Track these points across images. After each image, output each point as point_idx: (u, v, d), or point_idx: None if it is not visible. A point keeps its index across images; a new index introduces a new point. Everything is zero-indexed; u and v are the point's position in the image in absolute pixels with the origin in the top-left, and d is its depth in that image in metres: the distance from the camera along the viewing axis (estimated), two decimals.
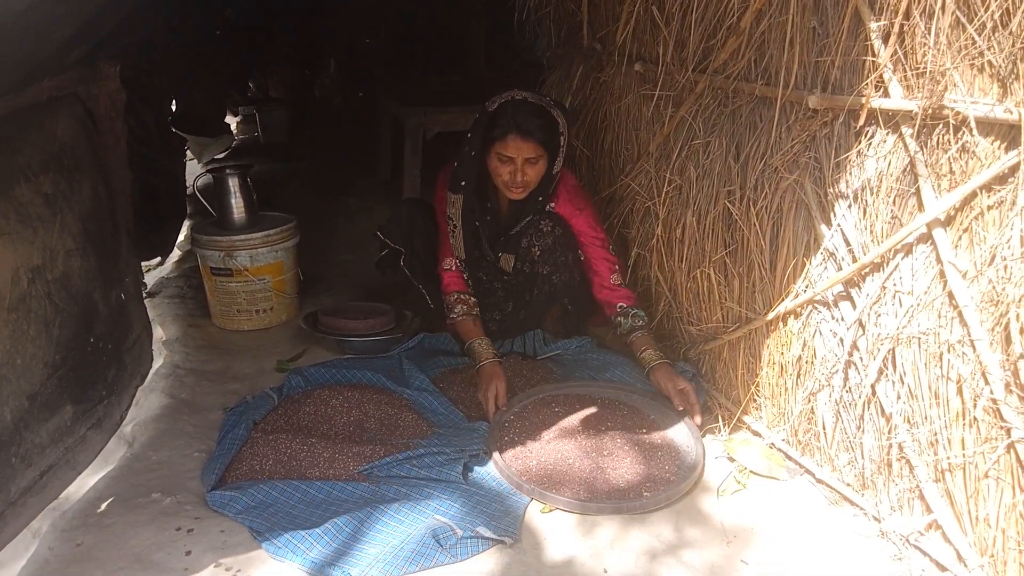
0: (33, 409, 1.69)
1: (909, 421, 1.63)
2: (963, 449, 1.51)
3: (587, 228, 2.50)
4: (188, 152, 4.86)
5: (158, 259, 3.54)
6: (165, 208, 3.32)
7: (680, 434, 2.12)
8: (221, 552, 1.71)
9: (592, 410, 2.20)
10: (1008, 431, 1.41)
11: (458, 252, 2.55)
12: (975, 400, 1.48)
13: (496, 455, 2.01)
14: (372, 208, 4.69)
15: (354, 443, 2.05)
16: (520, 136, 2.32)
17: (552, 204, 2.51)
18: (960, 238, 1.49)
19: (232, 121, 7.13)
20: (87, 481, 1.94)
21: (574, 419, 2.16)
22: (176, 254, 3.84)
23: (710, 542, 1.77)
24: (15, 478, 1.61)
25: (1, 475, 1.56)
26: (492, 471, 2.00)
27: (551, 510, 1.87)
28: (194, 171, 4.48)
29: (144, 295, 2.91)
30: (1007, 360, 1.41)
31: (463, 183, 2.44)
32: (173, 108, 4.23)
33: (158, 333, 2.77)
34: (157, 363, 2.54)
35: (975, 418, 1.48)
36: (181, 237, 3.96)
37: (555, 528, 1.82)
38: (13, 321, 1.66)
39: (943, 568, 1.59)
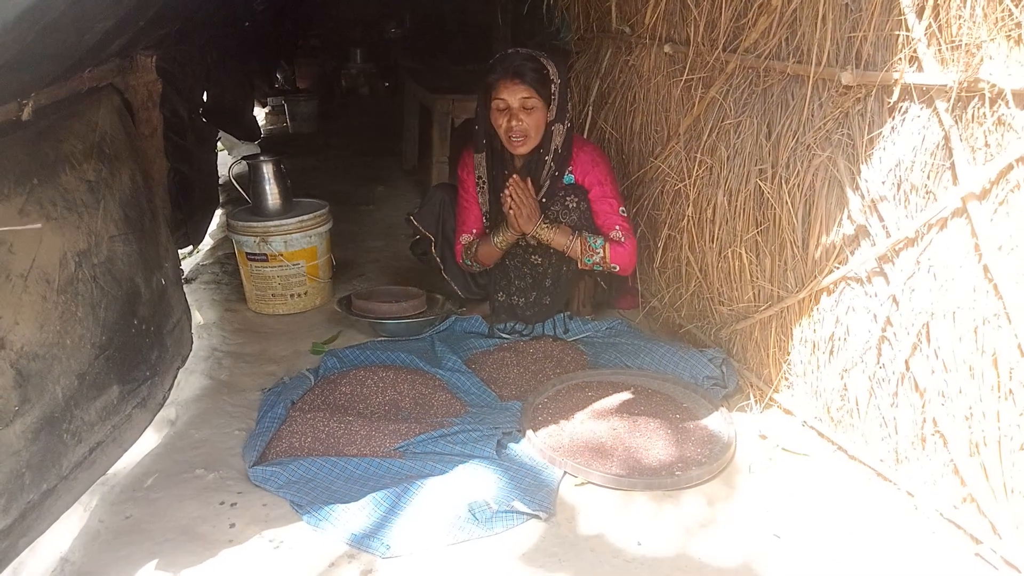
0: (82, 388, 1.75)
1: (944, 395, 1.64)
2: (998, 422, 1.51)
3: (596, 185, 2.56)
4: (219, 143, 4.94)
5: (190, 247, 3.61)
6: (197, 197, 3.39)
7: (713, 420, 2.13)
8: (264, 524, 1.76)
9: (625, 395, 2.22)
10: None
11: (484, 207, 2.65)
12: (1011, 373, 1.47)
13: (530, 431, 2.04)
14: (400, 195, 4.74)
15: (390, 421, 2.09)
16: (510, 78, 2.43)
17: (569, 169, 2.55)
18: (996, 211, 1.49)
19: (260, 112, 7.21)
20: (133, 458, 2.00)
21: (607, 403, 2.18)
22: (209, 242, 3.92)
23: (742, 518, 1.78)
24: (67, 453, 1.67)
25: (54, 450, 1.62)
26: (525, 448, 2.03)
27: (584, 483, 1.90)
28: (225, 161, 4.56)
29: (181, 281, 2.98)
30: None
31: (483, 141, 2.57)
32: (204, 99, 4.29)
33: (196, 317, 2.83)
34: (196, 346, 2.60)
35: (1011, 391, 1.48)
36: (214, 226, 4.04)
37: (588, 503, 1.84)
38: (62, 303, 1.71)
39: (977, 541, 1.59)
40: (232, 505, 1.83)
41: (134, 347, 2.01)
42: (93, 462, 1.78)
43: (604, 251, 2.51)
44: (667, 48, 2.52)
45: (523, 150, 2.52)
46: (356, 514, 1.75)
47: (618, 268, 2.55)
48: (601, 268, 2.56)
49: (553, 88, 2.47)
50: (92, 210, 1.92)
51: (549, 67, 2.47)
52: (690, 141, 2.46)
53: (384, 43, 8.33)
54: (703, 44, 2.31)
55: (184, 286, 2.81)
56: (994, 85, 1.44)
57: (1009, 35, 1.41)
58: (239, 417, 2.24)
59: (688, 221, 2.48)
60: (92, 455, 1.77)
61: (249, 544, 1.70)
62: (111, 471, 1.88)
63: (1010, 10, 1.39)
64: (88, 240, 1.87)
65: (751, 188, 2.16)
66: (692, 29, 2.35)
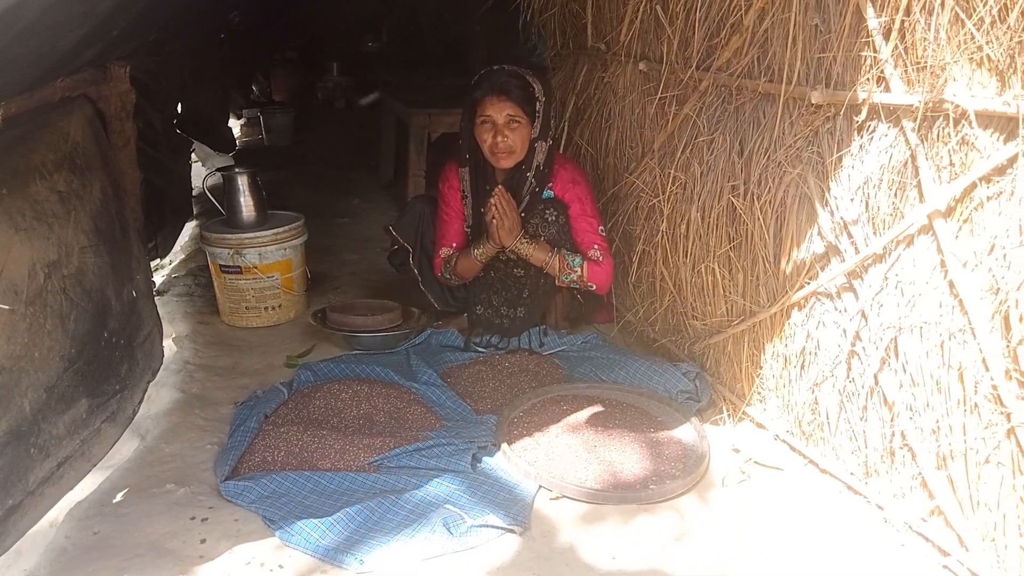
0: (50, 401, 1.72)
1: (911, 409, 1.67)
2: (964, 435, 1.54)
3: (576, 202, 2.58)
4: (193, 154, 4.90)
5: (157, 260, 3.56)
6: (169, 210, 3.36)
7: (687, 434, 2.14)
8: (235, 540, 1.74)
9: (600, 409, 2.23)
10: (1008, 416, 1.44)
11: (469, 221, 2.66)
12: (976, 387, 1.51)
13: (505, 445, 2.04)
14: (376, 208, 4.74)
15: (364, 435, 2.08)
16: (496, 95, 2.46)
17: (550, 184, 2.57)
18: (960, 228, 1.53)
19: (236, 124, 7.17)
20: (102, 472, 1.97)
21: (582, 417, 2.19)
22: (181, 254, 3.88)
23: (716, 531, 1.79)
24: (33, 468, 1.64)
25: (20, 465, 1.59)
26: (500, 461, 2.02)
27: (558, 497, 1.90)
28: (199, 172, 4.52)
29: (153, 293, 2.95)
30: (1007, 347, 1.44)
31: (467, 155, 2.59)
32: (178, 110, 4.26)
33: (168, 330, 2.80)
34: (167, 359, 2.57)
35: (976, 404, 1.51)
36: (186, 237, 4.00)
37: (563, 517, 1.84)
38: (31, 315, 1.69)
39: (945, 553, 1.62)
40: (203, 520, 1.81)
41: (104, 360, 1.99)
42: (61, 477, 1.75)
43: (582, 269, 2.53)
44: (642, 66, 2.56)
45: (507, 164, 2.54)
46: (329, 529, 1.73)
47: (595, 287, 2.58)
48: (578, 286, 2.59)
49: (538, 106, 2.50)
50: (62, 221, 1.90)
51: (535, 85, 2.49)
52: (664, 157, 2.50)
53: (361, 57, 8.34)
54: (677, 62, 2.35)
55: (156, 298, 2.78)
56: (958, 105, 1.48)
57: (972, 57, 1.45)
58: (211, 431, 2.21)
59: (662, 236, 2.50)
60: (60, 470, 1.75)
61: (220, 560, 1.68)
62: (79, 486, 1.85)
63: (972, 33, 1.43)
64: (58, 251, 1.85)
65: (724, 204, 2.19)
66: (666, 47, 2.38)
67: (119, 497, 1.90)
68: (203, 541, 1.74)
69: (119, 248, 2.22)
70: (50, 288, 1.78)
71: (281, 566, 1.66)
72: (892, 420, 1.72)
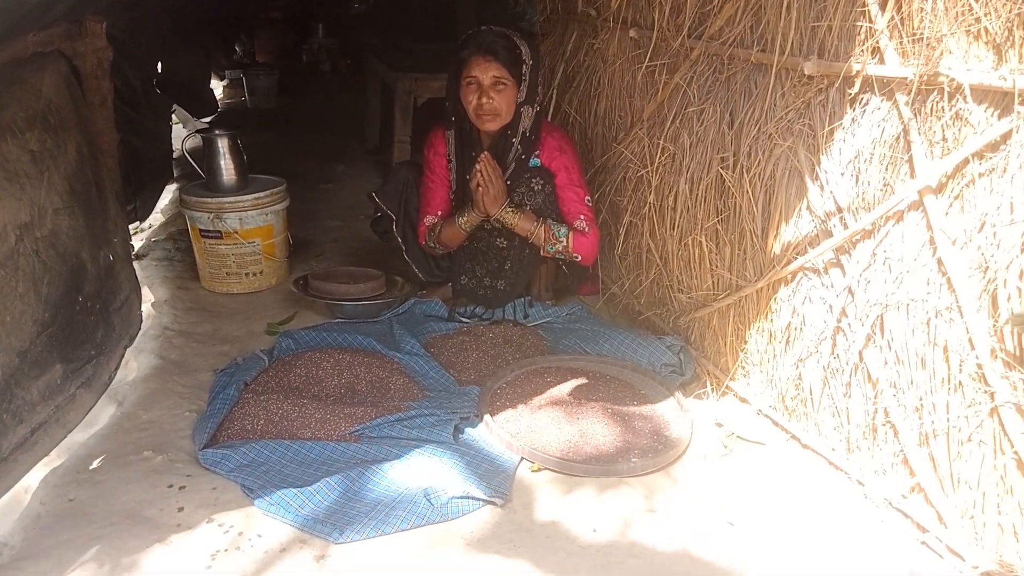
0: (23, 366, 1.69)
1: (895, 386, 1.66)
2: (947, 413, 1.54)
3: (563, 171, 2.55)
4: (174, 116, 4.80)
5: (136, 223, 3.50)
6: (148, 172, 3.29)
7: (669, 408, 2.14)
8: (213, 508, 1.72)
9: (583, 381, 2.22)
10: (992, 395, 1.44)
11: (454, 187, 2.62)
12: (961, 365, 1.50)
13: (487, 417, 2.03)
14: (361, 174, 4.67)
15: (345, 405, 2.06)
16: (482, 55, 2.41)
17: (536, 152, 2.52)
18: (951, 205, 1.51)
19: (218, 85, 7.03)
20: (77, 439, 1.94)
21: (565, 389, 2.18)
22: (161, 217, 3.81)
23: (696, 505, 1.79)
24: (7, 434, 1.61)
25: None
26: (482, 433, 2.01)
27: (540, 469, 1.90)
28: (180, 134, 4.43)
29: (132, 257, 2.90)
30: (993, 326, 1.43)
31: (452, 118, 2.54)
32: (158, 69, 4.16)
33: (146, 295, 2.75)
34: (146, 325, 2.54)
35: (960, 383, 1.51)
36: (166, 200, 3.93)
37: (544, 489, 1.84)
38: (2, 278, 1.65)
39: (924, 529, 1.63)
40: (181, 488, 1.79)
41: (79, 325, 1.95)
42: (35, 443, 1.73)
43: (567, 240, 2.50)
44: (632, 32, 2.51)
45: (492, 126, 2.48)
46: (309, 499, 1.72)
47: (580, 258, 2.55)
48: (563, 257, 2.55)
49: (524, 69, 2.44)
50: (35, 181, 1.85)
51: (522, 47, 2.44)
52: (653, 127, 2.46)
53: (347, 19, 8.18)
54: (668, 29, 2.30)
55: (135, 262, 2.74)
56: (953, 79, 1.45)
57: (968, 30, 1.42)
58: (190, 398, 2.19)
59: (650, 208, 2.47)
60: (34, 436, 1.72)
61: (198, 528, 1.66)
62: (53, 452, 1.82)
63: (970, 5, 1.40)
64: (30, 212, 1.80)
65: (712, 176, 2.17)
66: (658, 14, 2.33)
67: (95, 464, 1.87)
68: (180, 509, 1.72)
69: (95, 210, 2.17)
70: (22, 251, 1.73)
71: (260, 535, 1.65)
72: (875, 397, 1.72)
